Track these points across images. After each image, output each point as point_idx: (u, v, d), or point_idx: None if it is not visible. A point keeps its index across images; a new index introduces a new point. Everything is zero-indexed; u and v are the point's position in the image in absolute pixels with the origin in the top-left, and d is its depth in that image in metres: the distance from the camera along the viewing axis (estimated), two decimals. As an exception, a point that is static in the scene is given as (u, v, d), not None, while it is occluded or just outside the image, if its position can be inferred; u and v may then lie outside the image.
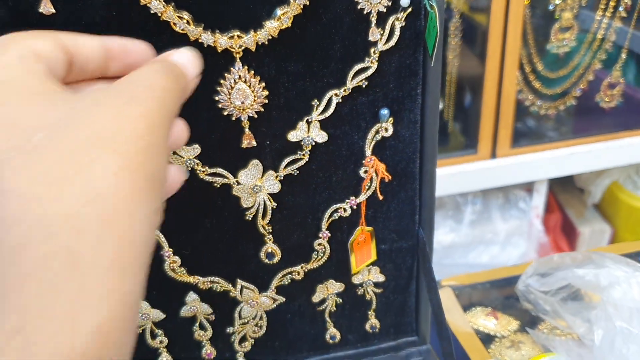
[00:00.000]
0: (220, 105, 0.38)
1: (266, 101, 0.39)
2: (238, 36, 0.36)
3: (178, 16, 0.34)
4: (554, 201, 1.33)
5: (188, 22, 0.35)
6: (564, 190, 1.36)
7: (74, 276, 0.19)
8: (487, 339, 0.64)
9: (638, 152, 1.21)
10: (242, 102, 0.38)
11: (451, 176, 1.11)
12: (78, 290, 0.19)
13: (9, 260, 0.19)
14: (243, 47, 0.37)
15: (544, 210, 1.25)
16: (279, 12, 0.37)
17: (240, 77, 0.38)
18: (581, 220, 1.31)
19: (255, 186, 0.42)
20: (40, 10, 0.34)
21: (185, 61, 0.29)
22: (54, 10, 0.34)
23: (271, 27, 0.37)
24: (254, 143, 0.40)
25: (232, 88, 0.38)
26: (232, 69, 0.37)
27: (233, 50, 0.36)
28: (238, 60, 0.37)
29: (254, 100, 0.39)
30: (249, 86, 0.38)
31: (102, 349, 0.19)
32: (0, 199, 0.19)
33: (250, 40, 0.36)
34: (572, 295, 0.63)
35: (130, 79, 0.25)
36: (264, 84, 0.39)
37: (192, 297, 0.44)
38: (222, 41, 0.36)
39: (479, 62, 1.10)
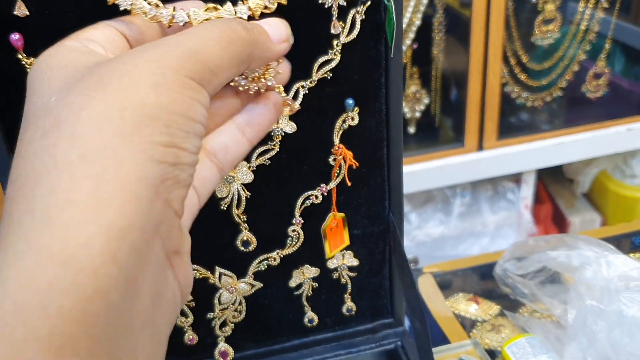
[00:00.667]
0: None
1: (235, 94, 0.41)
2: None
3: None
4: (544, 192, 1.35)
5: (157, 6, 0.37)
6: (553, 180, 1.38)
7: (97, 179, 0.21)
8: (468, 324, 0.66)
9: (625, 141, 1.22)
10: (212, 96, 0.40)
11: (439, 169, 1.13)
12: (101, 190, 0.21)
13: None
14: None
15: (534, 201, 1.27)
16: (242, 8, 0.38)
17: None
18: (571, 210, 1.32)
19: (229, 177, 0.44)
20: (15, 13, 0.36)
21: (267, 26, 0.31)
22: (28, 12, 0.36)
23: (236, 23, 0.39)
24: (226, 135, 0.42)
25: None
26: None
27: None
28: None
29: (224, 93, 0.41)
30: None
31: (117, 249, 0.21)
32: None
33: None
34: (549, 278, 0.65)
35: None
36: (232, 78, 0.40)
37: (172, 284, 0.46)
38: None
39: (465, 55, 1.12)
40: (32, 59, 0.37)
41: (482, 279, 0.73)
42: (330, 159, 0.45)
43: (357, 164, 0.45)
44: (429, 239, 1.17)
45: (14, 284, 0.20)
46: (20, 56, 0.36)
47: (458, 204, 1.19)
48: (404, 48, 1.08)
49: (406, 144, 1.17)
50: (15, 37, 0.36)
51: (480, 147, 1.17)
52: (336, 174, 0.45)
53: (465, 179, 1.15)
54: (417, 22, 1.09)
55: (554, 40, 1.20)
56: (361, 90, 0.43)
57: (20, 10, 0.36)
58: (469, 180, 1.16)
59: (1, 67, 0.37)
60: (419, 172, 1.12)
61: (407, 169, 1.12)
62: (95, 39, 0.28)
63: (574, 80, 1.24)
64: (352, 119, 0.44)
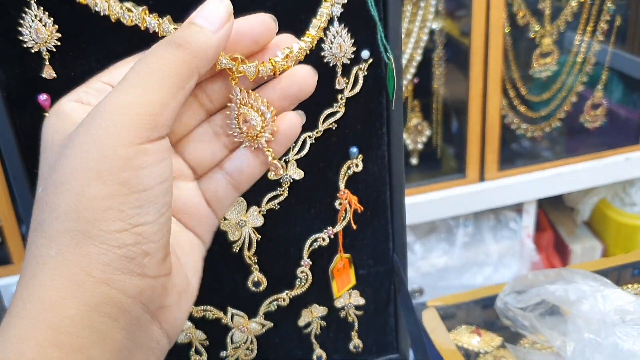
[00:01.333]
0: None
1: (247, 145, 0.44)
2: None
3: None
4: (545, 219, 1.37)
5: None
6: (554, 208, 1.40)
7: None
8: (472, 356, 0.68)
9: (623, 170, 1.25)
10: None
11: (442, 200, 1.15)
12: (74, 279, 0.26)
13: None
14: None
15: (535, 229, 1.29)
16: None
17: None
18: (572, 238, 1.34)
19: (241, 221, 0.46)
20: (43, 76, 0.39)
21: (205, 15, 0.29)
22: (55, 75, 0.39)
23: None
24: (238, 183, 0.45)
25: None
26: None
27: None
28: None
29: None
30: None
31: (93, 318, 0.26)
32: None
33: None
34: (549, 310, 0.67)
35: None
36: (244, 130, 0.43)
37: (187, 324, 0.49)
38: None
39: (465, 86, 1.15)
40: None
41: (484, 311, 0.75)
42: (336, 203, 0.48)
43: (362, 208, 0.48)
44: (434, 269, 1.19)
45: (10, 345, 0.25)
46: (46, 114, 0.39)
47: (461, 234, 1.21)
48: (404, 82, 1.12)
49: (409, 175, 1.19)
50: (43, 97, 0.40)
51: (481, 178, 1.19)
52: (342, 218, 0.48)
53: (467, 210, 1.17)
54: (418, 58, 1.13)
55: (552, 72, 1.23)
56: (364, 139, 0.46)
57: (48, 73, 0.39)
58: (471, 211, 1.18)
59: (31, 127, 0.39)
60: (422, 203, 1.14)
61: (410, 200, 1.14)
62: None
63: (573, 111, 1.27)
64: (357, 165, 0.47)
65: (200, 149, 0.33)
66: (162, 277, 0.28)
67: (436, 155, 1.23)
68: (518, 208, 1.27)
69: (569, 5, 1.17)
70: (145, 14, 0.31)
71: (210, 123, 0.34)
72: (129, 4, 0.31)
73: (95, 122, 0.27)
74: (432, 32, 1.15)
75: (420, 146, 1.21)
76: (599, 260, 1.21)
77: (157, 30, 0.31)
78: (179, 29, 0.29)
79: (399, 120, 0.46)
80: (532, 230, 1.26)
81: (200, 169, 0.34)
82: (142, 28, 0.31)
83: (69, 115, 0.29)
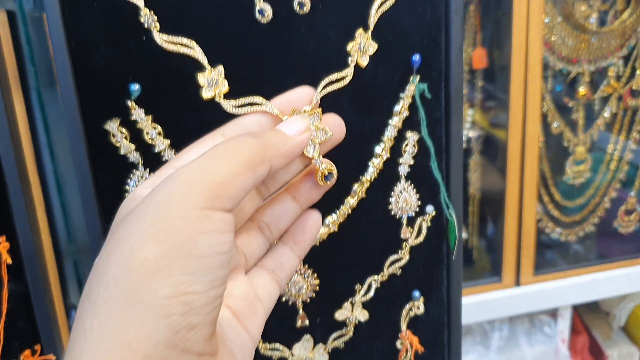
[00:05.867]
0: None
1: (317, 288, 0.47)
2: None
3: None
4: (580, 323, 1.36)
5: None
6: (589, 311, 1.40)
7: None
8: None
9: (659, 276, 1.25)
10: (298, 291, 0.47)
11: (478, 305, 1.16)
12: (115, 353, 0.25)
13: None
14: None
15: (570, 333, 1.29)
16: (328, 220, 0.45)
17: (296, 270, 0.46)
18: (608, 343, 1.33)
19: (307, 358, 0.49)
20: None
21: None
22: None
23: (321, 233, 0.45)
24: (307, 322, 0.48)
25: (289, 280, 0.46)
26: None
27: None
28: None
29: (307, 288, 0.47)
30: (303, 277, 0.47)
31: None
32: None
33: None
34: None
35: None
36: (315, 275, 0.47)
37: None
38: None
39: (501, 193, 1.18)
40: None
41: None
42: (398, 343, 0.50)
43: (423, 349, 0.50)
44: (469, 373, 1.19)
45: None
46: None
47: (496, 337, 1.21)
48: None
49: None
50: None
51: (517, 283, 1.20)
52: (403, 357, 0.51)
53: (503, 314, 1.18)
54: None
55: (586, 179, 1.26)
56: (426, 283, 0.49)
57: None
58: (506, 315, 1.19)
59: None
60: (459, 308, 1.15)
61: (446, 302, 1.16)
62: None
63: (606, 216, 1.29)
64: (418, 307, 0.50)
65: (252, 241, 0.35)
66: (206, 357, 0.27)
67: (472, 257, 1.25)
68: (553, 312, 1.28)
69: (602, 116, 1.22)
70: None
71: (255, 219, 0.36)
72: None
73: (159, 189, 0.27)
74: (468, 140, 1.20)
75: (456, 248, 1.23)
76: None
77: None
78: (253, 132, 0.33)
79: (459, 267, 0.49)
80: (567, 334, 1.26)
81: (249, 262, 0.35)
82: None
83: (140, 197, 0.29)
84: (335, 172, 0.35)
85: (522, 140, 1.13)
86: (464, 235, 1.23)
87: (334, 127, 0.35)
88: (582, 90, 1.17)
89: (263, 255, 0.36)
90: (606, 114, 1.20)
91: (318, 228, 0.37)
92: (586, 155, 1.24)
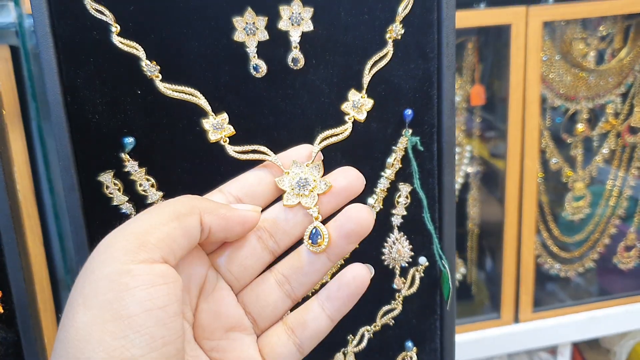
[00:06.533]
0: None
1: (309, 338, 0.47)
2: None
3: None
4: (580, 359, 1.35)
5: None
6: (589, 348, 1.38)
7: None
8: None
9: (659, 314, 1.24)
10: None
11: (476, 341, 1.15)
12: None
13: None
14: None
15: (570, 370, 1.28)
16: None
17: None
18: (608, 381, 1.32)
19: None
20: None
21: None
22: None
23: (314, 283, 0.45)
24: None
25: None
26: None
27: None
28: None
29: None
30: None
31: None
32: None
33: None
34: None
35: None
36: (307, 325, 0.47)
37: None
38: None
39: (499, 228, 1.18)
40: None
41: None
42: (390, 394, 0.50)
43: (415, 398, 0.50)
44: (467, 411, 1.17)
45: None
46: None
47: (495, 375, 1.20)
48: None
49: (443, 312, 1.21)
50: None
51: (516, 319, 1.20)
52: (396, 407, 0.50)
53: (502, 351, 1.18)
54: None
55: (585, 215, 1.26)
56: (419, 333, 0.49)
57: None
58: (505, 352, 1.18)
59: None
60: (457, 344, 1.14)
61: (444, 338, 1.15)
62: None
63: (606, 252, 1.28)
64: (411, 358, 0.49)
65: (262, 299, 0.33)
66: None
67: (470, 292, 1.24)
68: (552, 349, 1.27)
69: (600, 152, 1.22)
70: None
71: (273, 272, 0.34)
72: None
73: (93, 251, 0.27)
74: (467, 175, 1.20)
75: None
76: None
77: None
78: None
79: (452, 317, 0.49)
80: (567, 372, 1.25)
81: (261, 321, 0.33)
82: None
83: None
84: (324, 232, 0.33)
85: (520, 176, 1.13)
86: (462, 270, 1.22)
87: (353, 179, 0.33)
88: (580, 127, 1.18)
89: (284, 313, 0.33)
90: (605, 150, 1.20)
91: (358, 286, 0.33)
92: (585, 191, 1.24)
